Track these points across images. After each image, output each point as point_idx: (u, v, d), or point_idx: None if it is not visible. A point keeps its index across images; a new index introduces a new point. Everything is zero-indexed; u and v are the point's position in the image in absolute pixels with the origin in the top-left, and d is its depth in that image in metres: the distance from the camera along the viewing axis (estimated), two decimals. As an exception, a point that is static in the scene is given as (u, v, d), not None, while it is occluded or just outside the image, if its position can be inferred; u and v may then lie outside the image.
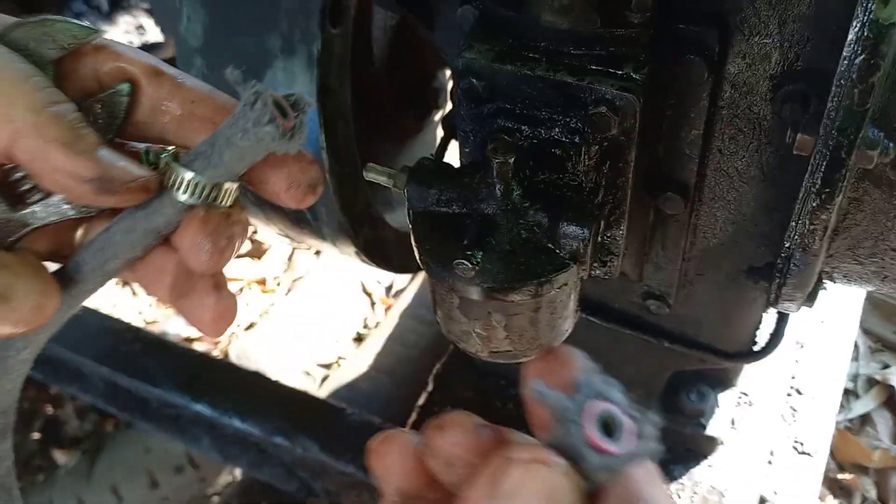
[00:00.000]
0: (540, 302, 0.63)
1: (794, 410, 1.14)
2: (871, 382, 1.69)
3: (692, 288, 0.86)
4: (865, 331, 1.73)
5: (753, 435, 1.07)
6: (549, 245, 0.62)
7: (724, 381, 1.04)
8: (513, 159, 0.60)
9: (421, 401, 1.16)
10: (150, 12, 1.58)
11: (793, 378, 1.17)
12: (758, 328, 0.91)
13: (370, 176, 0.72)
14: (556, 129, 0.65)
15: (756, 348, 0.92)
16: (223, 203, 0.46)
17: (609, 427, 0.39)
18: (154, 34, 1.56)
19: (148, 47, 1.53)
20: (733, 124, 0.70)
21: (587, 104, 0.62)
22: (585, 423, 0.38)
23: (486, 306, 0.63)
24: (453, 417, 0.44)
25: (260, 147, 0.43)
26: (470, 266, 0.59)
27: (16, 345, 0.48)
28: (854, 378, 1.67)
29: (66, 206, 0.46)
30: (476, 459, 0.42)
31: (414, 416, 1.15)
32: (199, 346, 1.74)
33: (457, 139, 0.98)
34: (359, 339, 1.74)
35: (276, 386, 1.31)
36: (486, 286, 0.60)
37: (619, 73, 0.62)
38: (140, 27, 1.59)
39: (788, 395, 1.15)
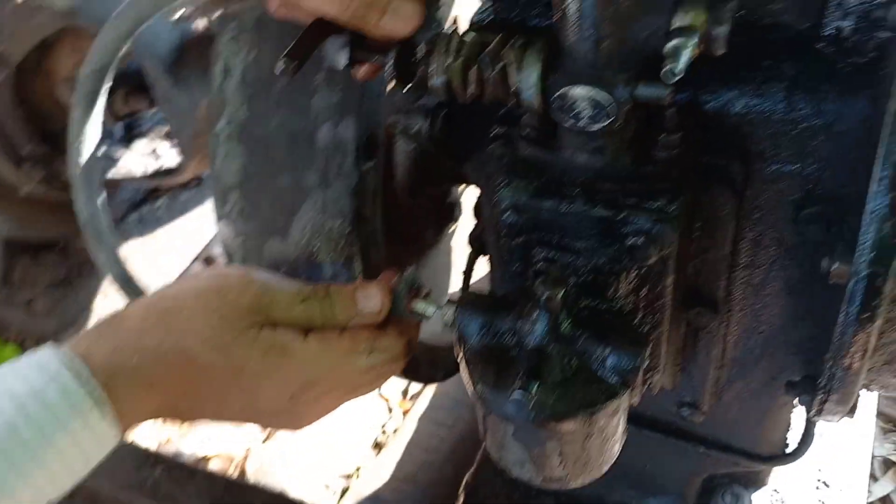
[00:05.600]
0: (593, 429, 0.65)
1: (824, 503, 1.15)
2: (888, 464, 1.69)
3: (725, 395, 0.88)
4: (877, 412, 1.75)
5: (789, 532, 1.08)
6: (600, 372, 0.65)
7: (756, 480, 1.05)
8: (561, 293, 0.64)
9: (453, 513, 1.16)
10: (168, 136, 1.64)
11: (819, 471, 1.18)
12: (789, 430, 0.93)
13: (420, 306, 0.75)
14: (596, 258, 0.69)
15: (788, 450, 0.94)
16: None
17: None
18: (169, 158, 1.61)
19: (164, 172, 1.58)
20: (758, 243, 0.74)
21: (625, 235, 0.66)
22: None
23: (541, 435, 0.65)
24: None
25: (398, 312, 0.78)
26: (527, 398, 0.62)
27: None
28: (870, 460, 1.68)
29: None
30: None
31: (447, 529, 1.14)
32: (215, 464, 1.73)
33: (484, 254, 1.02)
34: (378, 446, 1.73)
35: (302, 505, 1.30)
36: (543, 417, 0.63)
37: (654, 205, 0.66)
38: (154, 151, 1.64)
39: (817, 488, 1.16)
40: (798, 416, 0.94)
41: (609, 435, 0.67)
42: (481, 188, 0.87)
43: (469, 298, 0.70)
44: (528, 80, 0.63)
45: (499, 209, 0.71)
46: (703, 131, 0.68)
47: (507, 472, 0.72)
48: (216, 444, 1.75)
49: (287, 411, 0.73)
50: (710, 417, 0.91)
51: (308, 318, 0.73)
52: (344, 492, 1.63)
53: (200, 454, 1.76)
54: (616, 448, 0.70)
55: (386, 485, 1.54)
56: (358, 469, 1.69)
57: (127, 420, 0.66)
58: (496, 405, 0.64)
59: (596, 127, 0.63)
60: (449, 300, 0.72)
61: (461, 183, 1.23)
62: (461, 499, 1.17)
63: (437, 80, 0.66)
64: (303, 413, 0.74)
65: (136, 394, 0.67)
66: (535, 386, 0.62)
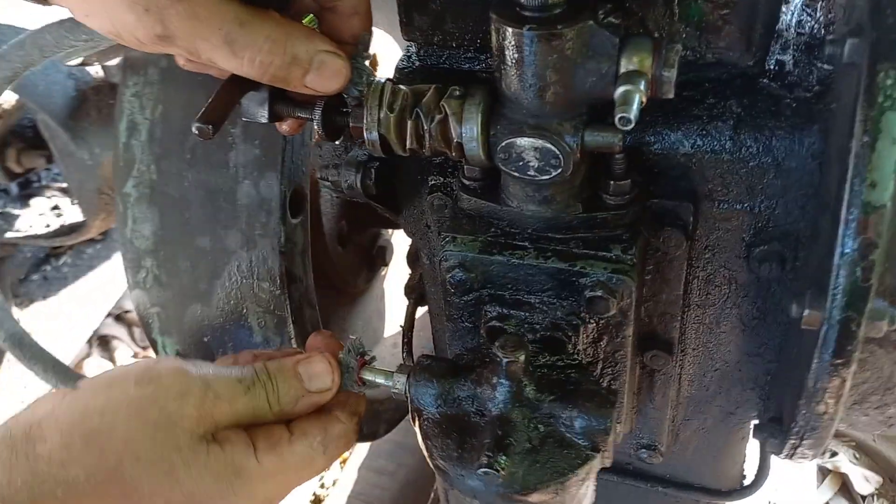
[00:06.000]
0: (565, 496, 0.61)
1: (777, 524, 1.15)
2: (824, 472, 1.72)
3: (682, 433, 0.86)
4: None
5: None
6: (569, 436, 0.61)
7: (712, 510, 1.03)
8: (523, 356, 0.60)
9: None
10: (65, 192, 1.53)
11: (769, 491, 1.18)
12: (745, 462, 0.92)
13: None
14: (552, 313, 0.65)
15: (746, 482, 0.92)
16: None
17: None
18: (72, 214, 1.51)
19: (68, 228, 1.48)
20: (711, 282, 0.72)
21: (582, 288, 0.63)
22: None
23: (510, 507, 0.61)
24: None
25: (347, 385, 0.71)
26: (496, 473, 0.57)
27: None
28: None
29: None
30: None
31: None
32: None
33: (423, 305, 0.98)
34: (317, 500, 1.65)
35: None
36: (513, 491, 0.58)
37: (609, 255, 0.62)
38: (56, 207, 1.53)
39: (769, 510, 1.16)
40: (752, 447, 0.92)
41: (580, 499, 0.63)
42: (419, 240, 0.82)
43: (421, 365, 0.65)
44: (470, 132, 0.59)
45: (444, 267, 0.66)
46: (651, 173, 0.65)
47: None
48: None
49: None
50: (668, 457, 0.88)
51: (254, 411, 0.66)
52: (284, 554, 1.55)
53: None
54: (587, 508, 0.66)
55: (329, 543, 1.46)
56: (298, 528, 1.61)
57: None
58: (460, 481, 0.60)
59: (545, 178, 0.59)
60: (400, 367, 0.67)
61: (393, 228, 1.19)
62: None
63: (371, 135, 0.62)
64: None
65: None
66: (503, 458, 0.58)
